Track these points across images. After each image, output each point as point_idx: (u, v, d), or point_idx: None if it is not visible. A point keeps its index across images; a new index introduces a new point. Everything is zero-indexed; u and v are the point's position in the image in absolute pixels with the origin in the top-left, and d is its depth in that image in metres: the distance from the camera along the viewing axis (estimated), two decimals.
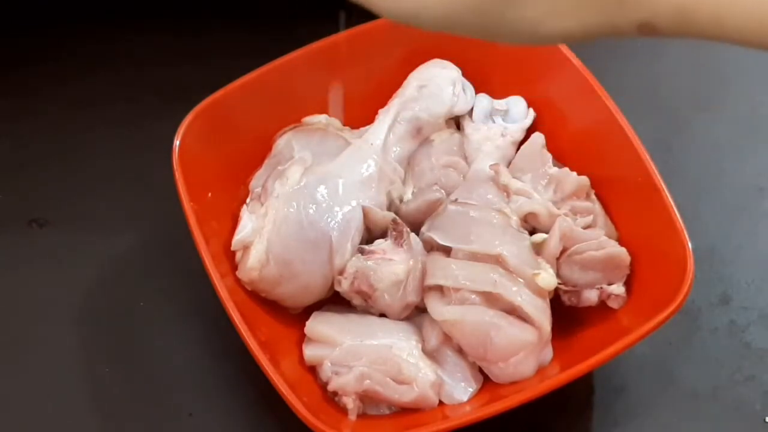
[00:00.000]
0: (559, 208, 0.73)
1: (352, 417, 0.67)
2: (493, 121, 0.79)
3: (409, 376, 0.68)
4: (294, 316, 0.73)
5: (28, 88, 0.89)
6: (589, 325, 0.72)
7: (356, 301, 0.71)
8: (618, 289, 0.72)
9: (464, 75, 0.80)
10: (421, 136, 0.77)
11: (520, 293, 0.68)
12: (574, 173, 0.74)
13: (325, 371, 0.69)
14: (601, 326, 0.71)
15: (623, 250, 0.72)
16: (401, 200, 0.74)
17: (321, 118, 0.79)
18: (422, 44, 0.80)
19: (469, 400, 0.69)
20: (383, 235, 0.73)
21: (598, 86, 0.75)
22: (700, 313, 0.77)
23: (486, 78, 0.80)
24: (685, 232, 0.69)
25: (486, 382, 0.70)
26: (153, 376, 0.74)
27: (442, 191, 0.74)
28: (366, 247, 0.72)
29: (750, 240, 0.81)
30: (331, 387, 0.68)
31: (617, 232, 0.74)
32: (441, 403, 0.69)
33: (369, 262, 0.70)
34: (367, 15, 0.47)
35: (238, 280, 0.72)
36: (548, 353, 0.70)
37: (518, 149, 0.78)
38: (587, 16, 0.42)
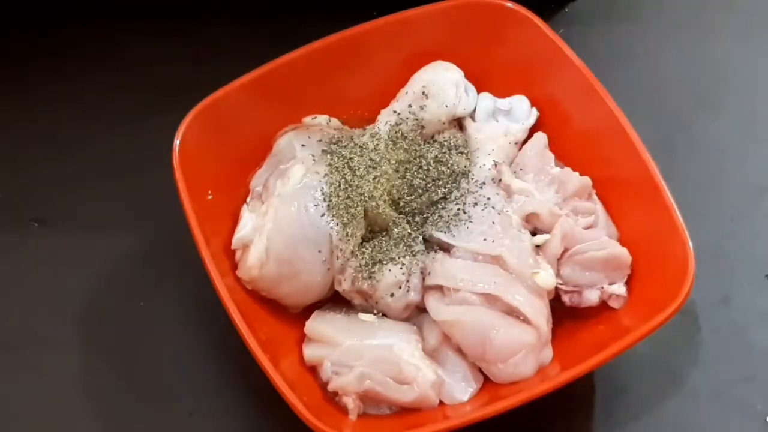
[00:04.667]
0: (561, 209, 0.73)
1: (353, 417, 0.67)
2: (497, 121, 0.79)
3: (409, 376, 0.68)
4: (294, 316, 0.73)
5: (27, 87, 0.89)
6: (590, 325, 0.71)
7: (357, 300, 0.71)
8: (619, 289, 0.72)
9: (466, 76, 0.79)
10: (423, 136, 0.77)
11: (519, 294, 0.68)
12: (577, 173, 0.74)
13: (326, 371, 0.69)
14: (602, 326, 0.71)
15: (624, 250, 0.72)
16: (402, 198, 0.74)
17: (322, 119, 0.79)
18: (424, 45, 0.80)
19: (469, 400, 0.69)
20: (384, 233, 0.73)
21: (600, 86, 0.75)
22: (701, 313, 0.77)
23: (488, 79, 0.80)
24: (686, 232, 0.69)
25: (486, 382, 0.70)
26: (153, 375, 0.74)
27: (444, 190, 0.74)
28: (367, 246, 0.72)
29: (751, 240, 0.81)
30: (331, 387, 0.68)
31: (618, 232, 0.74)
32: (441, 403, 0.69)
33: (370, 262, 0.70)
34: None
35: (238, 280, 0.72)
36: (548, 353, 0.70)
37: (521, 149, 0.78)
38: None
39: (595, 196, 0.75)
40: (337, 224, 0.70)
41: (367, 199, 0.71)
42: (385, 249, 0.71)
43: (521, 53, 0.79)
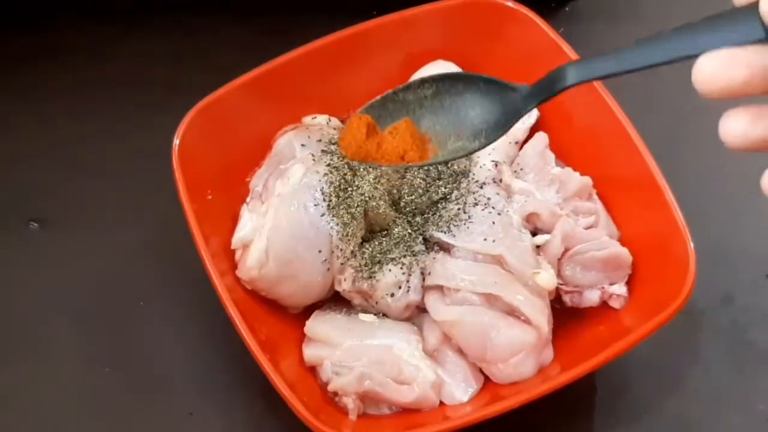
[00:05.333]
0: (561, 209, 0.73)
1: (353, 417, 0.67)
2: None
3: (409, 377, 0.68)
4: (294, 316, 0.73)
5: (27, 88, 0.89)
6: (591, 325, 0.71)
7: (357, 300, 0.71)
8: (620, 289, 0.72)
9: None
10: None
11: (520, 294, 0.68)
12: (577, 173, 0.74)
13: (326, 371, 0.69)
14: (603, 326, 0.71)
15: (625, 250, 0.72)
16: (402, 198, 0.74)
17: (322, 119, 0.78)
18: (424, 45, 0.80)
19: (469, 401, 0.69)
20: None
21: (601, 86, 0.75)
22: (702, 313, 0.77)
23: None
24: (687, 232, 0.69)
25: (487, 382, 0.70)
26: (153, 375, 0.74)
27: (445, 190, 0.74)
28: (367, 246, 0.71)
29: (752, 240, 0.81)
30: (331, 387, 0.68)
31: (619, 232, 0.74)
32: (442, 403, 0.69)
33: (370, 262, 0.70)
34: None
35: (237, 280, 0.72)
36: (549, 354, 0.70)
37: (521, 148, 0.77)
38: None
39: (595, 196, 0.75)
40: (337, 224, 0.70)
41: (367, 199, 0.71)
42: (385, 249, 0.71)
43: (521, 52, 0.79)
